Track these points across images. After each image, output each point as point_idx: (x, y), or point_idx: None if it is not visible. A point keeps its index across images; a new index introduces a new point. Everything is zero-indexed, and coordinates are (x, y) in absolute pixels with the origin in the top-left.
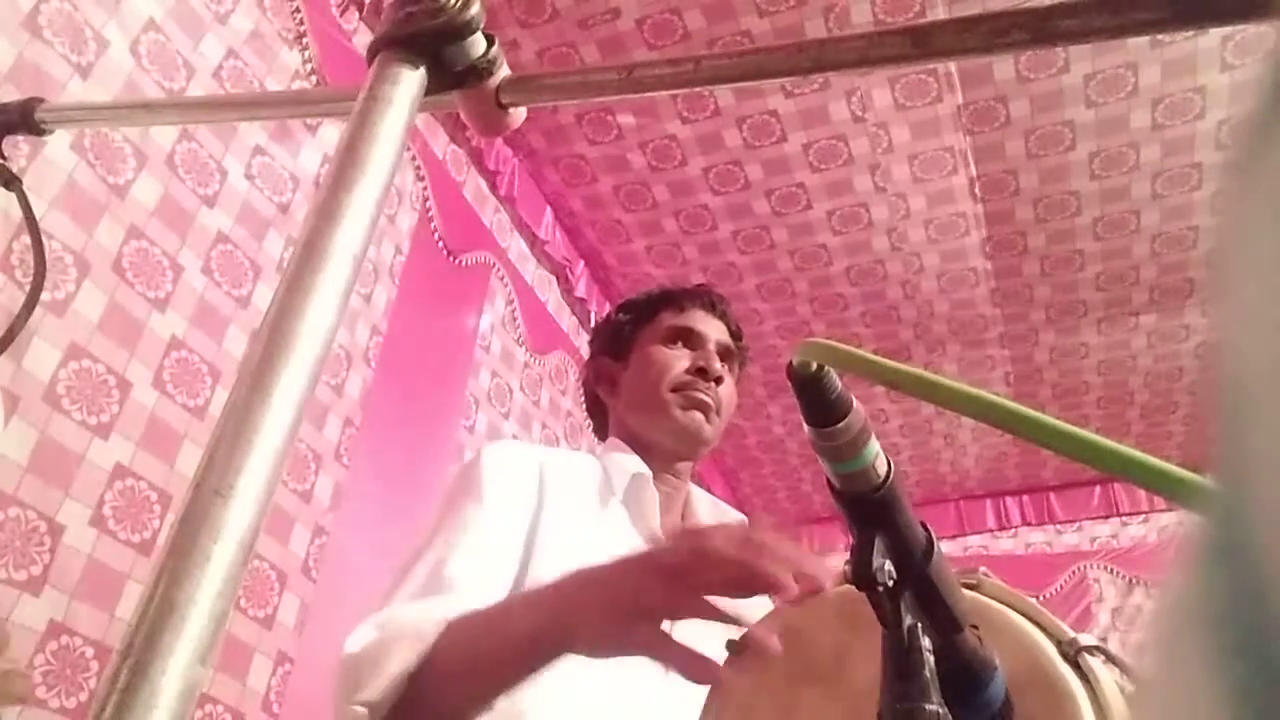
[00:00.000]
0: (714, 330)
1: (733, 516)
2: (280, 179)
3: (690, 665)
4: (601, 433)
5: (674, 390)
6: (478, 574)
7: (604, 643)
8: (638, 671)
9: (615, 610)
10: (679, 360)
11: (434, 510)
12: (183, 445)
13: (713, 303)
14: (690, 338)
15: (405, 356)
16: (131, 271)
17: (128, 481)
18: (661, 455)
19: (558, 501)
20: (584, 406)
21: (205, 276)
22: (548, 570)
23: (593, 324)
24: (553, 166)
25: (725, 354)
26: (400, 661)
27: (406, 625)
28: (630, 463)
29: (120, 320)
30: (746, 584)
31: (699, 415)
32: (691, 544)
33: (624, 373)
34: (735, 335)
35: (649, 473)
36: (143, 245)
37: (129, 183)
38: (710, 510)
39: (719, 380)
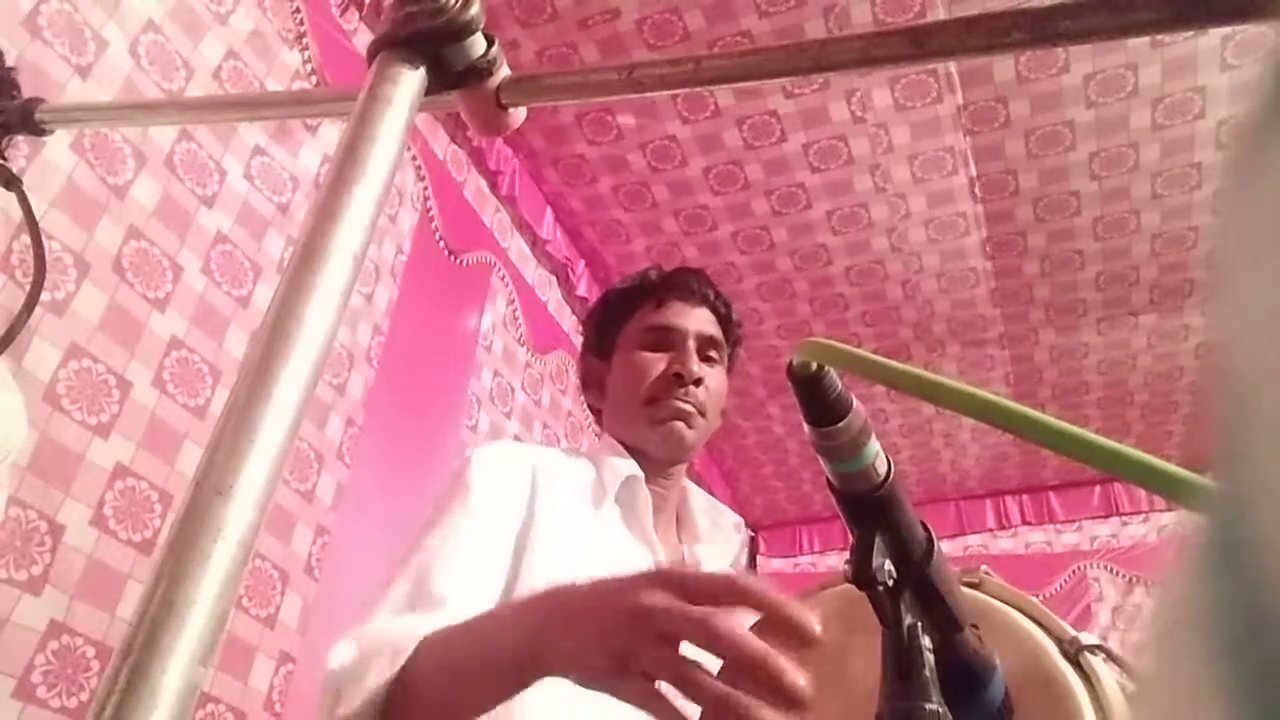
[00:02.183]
0: (694, 322)
1: (729, 516)
2: (280, 179)
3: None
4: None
5: (649, 402)
6: (463, 587)
7: (585, 676)
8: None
9: (598, 650)
10: (655, 365)
11: (425, 514)
12: (183, 445)
13: (692, 289)
14: (668, 336)
15: (407, 356)
16: (131, 272)
17: (128, 481)
18: (650, 459)
19: (550, 503)
20: (584, 404)
21: (205, 277)
22: (540, 572)
23: None
24: (553, 166)
25: (710, 344)
26: (377, 675)
27: (385, 640)
28: (623, 465)
29: (120, 320)
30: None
31: (678, 425)
32: (668, 605)
33: (609, 375)
34: (723, 318)
35: (642, 474)
36: (142, 245)
37: (128, 183)
38: (707, 509)
39: (699, 381)
